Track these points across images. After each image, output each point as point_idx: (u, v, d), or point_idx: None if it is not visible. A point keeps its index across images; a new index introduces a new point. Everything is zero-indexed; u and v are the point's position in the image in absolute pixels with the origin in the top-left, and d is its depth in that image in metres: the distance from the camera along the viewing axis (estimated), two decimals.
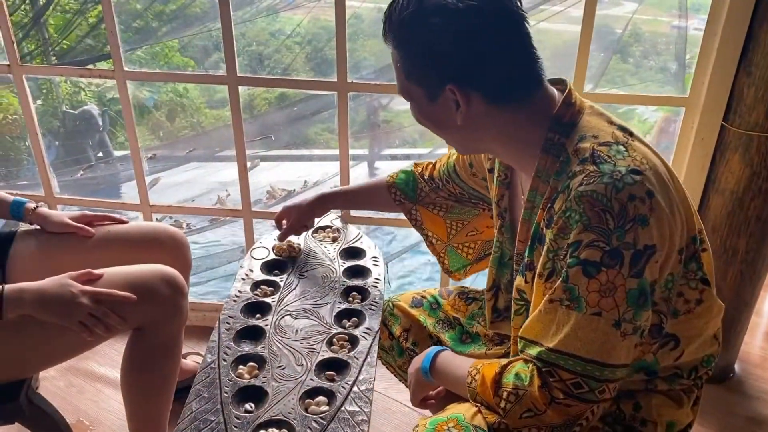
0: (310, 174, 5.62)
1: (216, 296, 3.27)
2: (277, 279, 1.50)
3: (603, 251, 0.85)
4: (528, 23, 0.95)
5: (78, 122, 6.40)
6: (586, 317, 0.87)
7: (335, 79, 1.67)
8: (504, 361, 0.98)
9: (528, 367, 0.92)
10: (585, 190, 0.87)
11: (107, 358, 1.96)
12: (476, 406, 1.00)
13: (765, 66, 1.51)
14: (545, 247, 0.93)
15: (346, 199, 1.59)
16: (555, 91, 1.00)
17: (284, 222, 1.58)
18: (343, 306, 1.40)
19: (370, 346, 1.30)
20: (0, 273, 1.44)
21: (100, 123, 6.31)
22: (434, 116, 1.01)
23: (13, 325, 1.21)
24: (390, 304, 1.49)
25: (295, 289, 1.46)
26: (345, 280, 1.49)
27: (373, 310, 1.40)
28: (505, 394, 0.93)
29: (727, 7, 1.51)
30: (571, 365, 0.88)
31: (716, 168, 1.69)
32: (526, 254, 1.01)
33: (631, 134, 0.96)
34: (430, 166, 1.47)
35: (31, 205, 1.50)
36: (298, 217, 1.55)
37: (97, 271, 1.30)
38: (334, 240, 1.64)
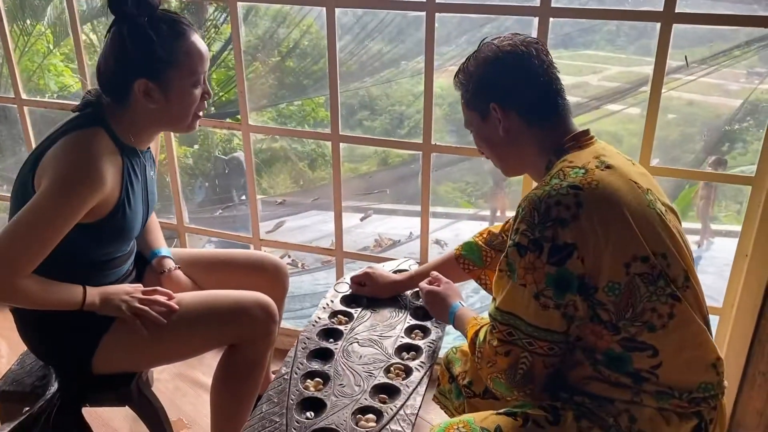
0: (415, 227, 5.87)
1: (297, 323, 3.49)
2: (352, 311, 1.71)
3: (529, 239, 1.12)
4: (556, 69, 1.28)
5: (227, 167, 7.07)
6: (516, 286, 1.15)
7: (421, 141, 1.90)
8: (481, 322, 1.31)
9: (486, 327, 1.23)
10: (532, 194, 1.16)
11: (211, 369, 2.24)
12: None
13: None
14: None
15: (420, 279, 1.73)
16: (577, 130, 1.27)
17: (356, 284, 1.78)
18: (405, 340, 1.59)
19: (422, 377, 1.46)
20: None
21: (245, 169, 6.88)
22: (486, 134, 1.32)
23: (127, 327, 1.50)
24: (454, 348, 1.64)
25: (366, 321, 1.67)
26: (412, 319, 1.68)
27: (430, 346, 1.57)
28: (478, 351, 1.24)
29: None
30: (506, 319, 1.16)
31: None
32: None
33: (608, 167, 1.17)
34: (492, 228, 1.66)
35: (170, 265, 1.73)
36: (377, 290, 1.76)
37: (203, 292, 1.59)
38: None
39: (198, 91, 1.49)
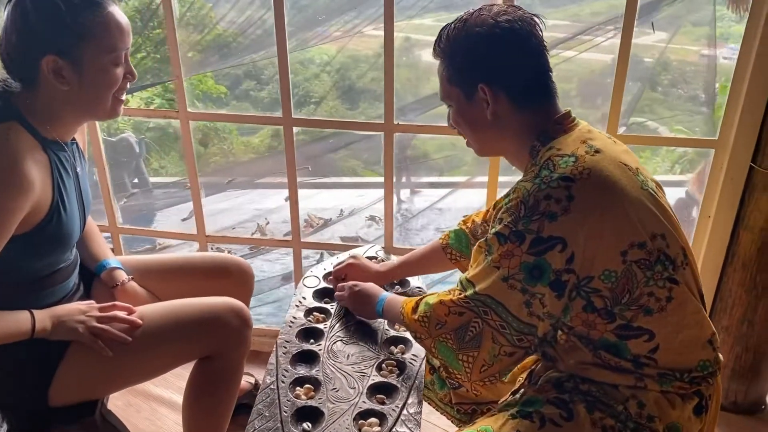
0: (345, 203, 5.77)
1: (261, 323, 3.38)
2: (328, 306, 1.61)
3: (511, 230, 1.10)
4: (547, 50, 1.19)
5: (116, 150, 6.60)
6: (490, 266, 1.13)
7: (382, 120, 1.80)
8: (419, 297, 1.29)
9: (432, 296, 1.24)
10: (521, 185, 1.12)
11: (162, 379, 2.07)
12: (503, 416, 1.16)
13: None
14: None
15: (409, 269, 1.67)
16: (561, 112, 1.21)
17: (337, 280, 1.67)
18: (390, 333, 1.51)
19: (418, 371, 1.39)
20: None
21: (137, 150, 6.44)
22: (469, 115, 1.22)
23: (87, 351, 1.34)
24: None
25: (345, 316, 1.57)
26: None
27: None
28: (420, 318, 1.23)
29: (755, 51, 1.60)
30: (471, 292, 1.15)
31: (745, 206, 1.77)
32: None
33: (597, 151, 1.12)
34: (474, 216, 1.59)
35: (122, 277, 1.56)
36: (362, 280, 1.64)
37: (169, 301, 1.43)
38: None
39: (119, 71, 1.31)
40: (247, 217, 5.86)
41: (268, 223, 5.52)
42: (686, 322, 1.12)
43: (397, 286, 1.70)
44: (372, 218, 5.05)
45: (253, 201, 6.23)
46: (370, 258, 1.80)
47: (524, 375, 1.32)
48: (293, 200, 1.98)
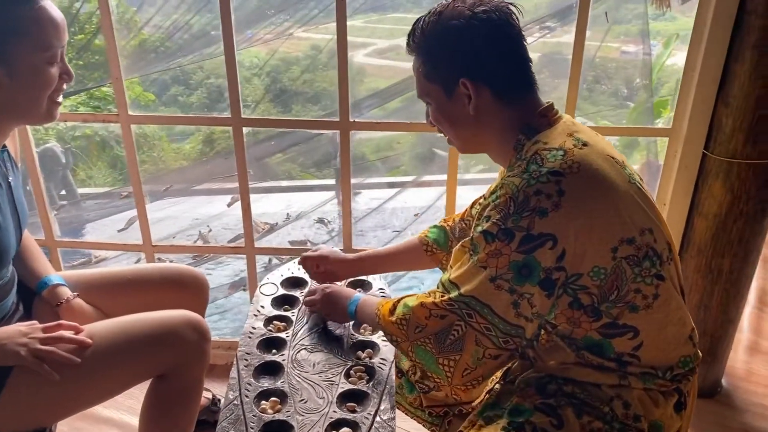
0: (290, 207, 5.66)
1: (213, 334, 3.26)
2: (288, 314, 1.54)
3: (500, 228, 1.04)
4: (525, 39, 1.15)
5: (40, 161, 6.28)
6: (476, 266, 1.07)
7: (337, 119, 1.74)
8: (396, 298, 1.23)
9: (412, 297, 1.19)
10: (508, 180, 1.07)
11: (112, 400, 1.95)
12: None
13: (742, 97, 1.62)
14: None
15: (383, 262, 1.60)
16: (544, 105, 1.17)
17: (312, 267, 1.59)
18: (356, 338, 1.45)
19: (388, 375, 1.34)
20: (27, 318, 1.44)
21: (64, 160, 6.19)
22: (450, 111, 1.17)
23: (31, 376, 1.23)
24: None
25: (307, 323, 1.50)
26: None
27: (385, 340, 1.44)
28: (398, 321, 1.17)
29: (705, 44, 1.62)
30: (455, 294, 1.10)
31: (699, 193, 1.79)
32: None
33: (585, 144, 1.09)
34: (454, 216, 1.54)
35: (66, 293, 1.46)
36: (339, 268, 1.57)
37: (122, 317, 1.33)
38: None
39: (54, 71, 1.22)
40: (187, 225, 5.67)
41: (210, 230, 5.37)
42: (670, 318, 1.11)
43: (359, 289, 1.64)
44: (321, 221, 4.97)
45: (191, 208, 6.05)
46: None
47: (499, 373, 1.29)
48: (245, 205, 1.89)
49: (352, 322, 1.48)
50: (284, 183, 6.31)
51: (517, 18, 1.13)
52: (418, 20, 1.16)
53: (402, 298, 1.21)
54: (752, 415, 2.02)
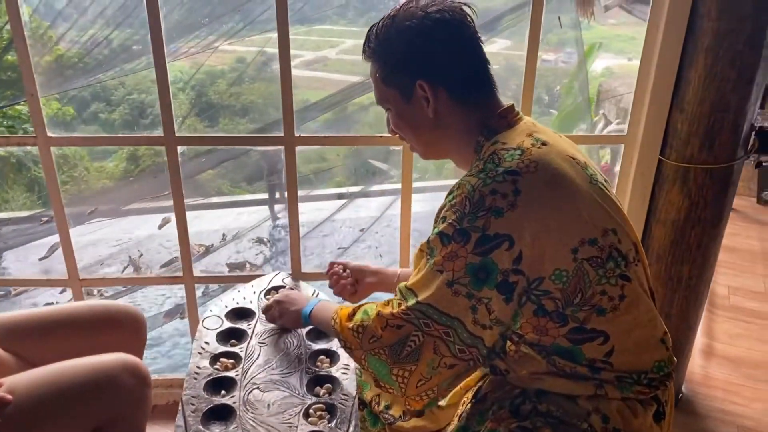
0: (225, 226, 5.43)
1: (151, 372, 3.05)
2: (236, 350, 1.40)
3: (455, 229, 1.01)
4: (481, 40, 1.13)
5: None
6: (432, 271, 1.04)
7: (281, 134, 1.62)
8: (358, 304, 1.18)
9: (370, 305, 1.14)
10: (464, 180, 1.05)
11: None
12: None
13: (696, 102, 1.60)
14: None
15: (391, 281, 1.52)
16: (504, 106, 1.15)
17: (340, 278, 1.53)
18: (312, 373, 1.33)
19: (351, 412, 1.23)
20: None
21: None
22: (409, 116, 1.14)
23: None
24: (358, 371, 1.42)
25: (258, 359, 1.37)
26: (309, 342, 1.42)
27: (345, 373, 1.33)
28: (355, 327, 1.12)
29: (658, 51, 1.60)
30: (413, 302, 1.05)
31: (657, 200, 1.76)
32: None
33: (544, 143, 1.07)
34: None
35: None
36: (362, 277, 1.52)
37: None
38: None
39: None
40: (116, 250, 5.36)
41: (141, 255, 5.08)
42: (639, 320, 1.08)
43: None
44: (259, 240, 4.77)
45: (119, 231, 5.74)
46: (276, 288, 1.61)
47: (469, 395, 1.21)
48: (182, 229, 1.74)
49: (305, 331, 1.44)
50: (215, 199, 6.09)
51: (472, 19, 1.11)
52: (372, 26, 1.14)
53: (363, 305, 1.17)
54: (713, 421, 2.01)
